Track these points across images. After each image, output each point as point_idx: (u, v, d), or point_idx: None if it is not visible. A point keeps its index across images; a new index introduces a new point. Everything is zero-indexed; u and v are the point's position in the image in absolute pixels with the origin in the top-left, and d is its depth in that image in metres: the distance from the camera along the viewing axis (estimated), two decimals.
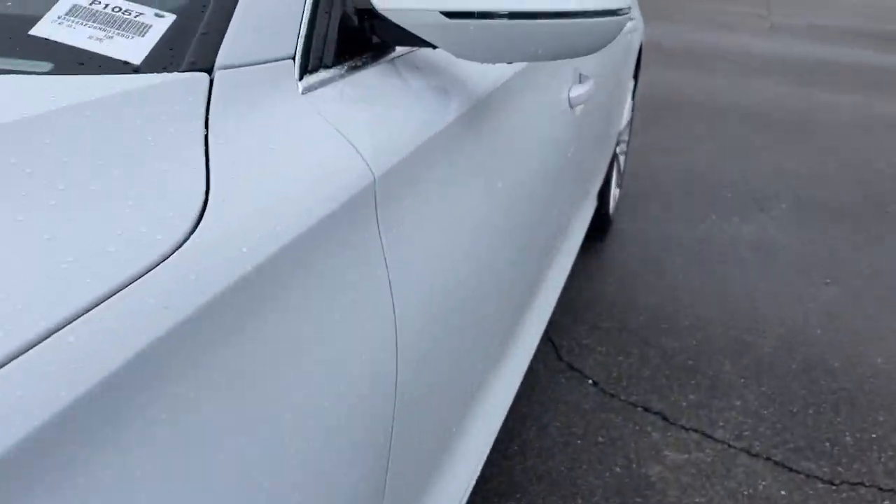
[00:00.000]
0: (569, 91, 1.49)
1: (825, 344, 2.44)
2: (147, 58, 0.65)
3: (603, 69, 2.03)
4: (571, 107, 1.50)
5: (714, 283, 2.81)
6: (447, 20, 0.86)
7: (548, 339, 2.37)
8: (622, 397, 2.11)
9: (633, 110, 3.41)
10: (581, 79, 1.62)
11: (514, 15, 0.86)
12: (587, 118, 1.75)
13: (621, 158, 3.31)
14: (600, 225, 3.10)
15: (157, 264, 0.49)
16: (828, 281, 2.88)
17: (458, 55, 0.90)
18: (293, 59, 0.75)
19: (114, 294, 0.45)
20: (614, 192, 3.21)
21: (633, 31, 2.60)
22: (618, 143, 3.23)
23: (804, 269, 2.97)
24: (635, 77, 3.27)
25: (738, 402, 2.11)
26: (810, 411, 2.09)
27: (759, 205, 3.63)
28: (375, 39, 0.90)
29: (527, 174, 1.28)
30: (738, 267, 2.96)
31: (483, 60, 0.91)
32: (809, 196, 3.76)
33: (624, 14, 0.95)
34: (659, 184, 3.81)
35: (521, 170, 1.24)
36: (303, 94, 0.74)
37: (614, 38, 0.97)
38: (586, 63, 1.73)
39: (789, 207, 3.62)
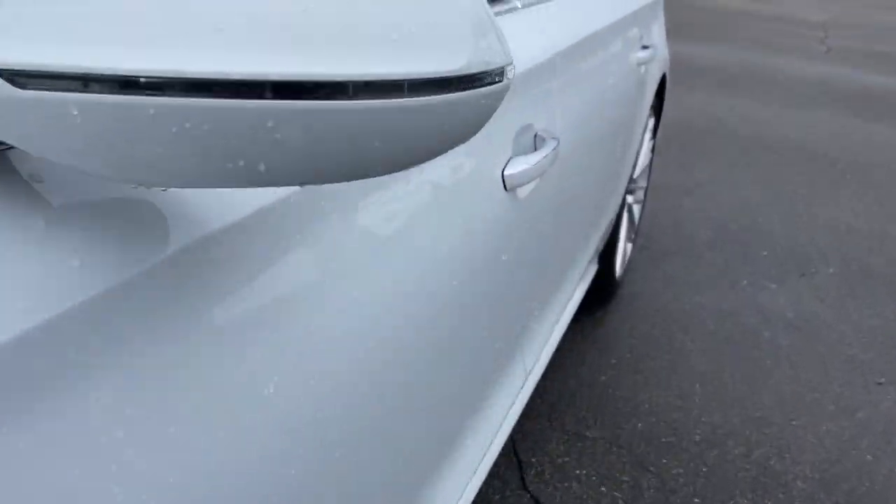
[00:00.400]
0: (504, 168, 0.99)
1: (879, 479, 1.88)
2: None
3: (592, 116, 1.51)
4: (508, 189, 1.00)
5: (738, 376, 2.26)
6: (18, 93, 0.36)
7: (513, 453, 1.86)
8: None
9: (653, 151, 2.87)
10: (536, 143, 1.11)
11: (191, 86, 0.36)
12: (551, 191, 1.24)
13: (636, 208, 2.78)
14: (604, 290, 2.57)
15: None
16: (882, 380, 2.31)
17: (63, 161, 0.40)
18: None
19: None
20: (625, 248, 2.67)
21: (649, 61, 2.08)
22: (632, 191, 2.70)
23: (852, 361, 2.39)
24: (657, 112, 2.73)
25: None
26: None
27: (801, 268, 3.06)
28: None
29: (401, 305, 0.78)
30: (770, 353, 2.40)
31: (123, 179, 0.40)
32: (863, 260, 3.17)
33: (497, 84, 0.44)
34: (684, 236, 3.26)
35: (388, 304, 0.74)
36: None
37: (470, 136, 0.46)
38: (555, 112, 1.22)
39: (838, 274, 3.03)
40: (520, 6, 1.20)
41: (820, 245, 3.29)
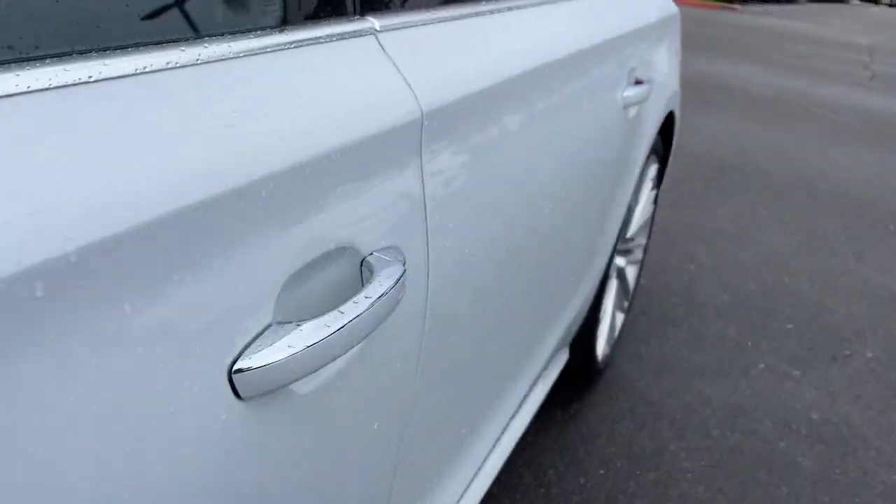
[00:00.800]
0: (234, 361, 0.49)
1: None
2: None
3: (532, 191, 1.02)
4: (245, 397, 0.51)
5: None
6: None
7: None
8: None
9: (656, 202, 2.35)
10: (364, 275, 0.62)
11: None
12: (414, 335, 0.75)
13: (631, 271, 2.27)
14: (581, 378, 2.07)
15: None
16: None
17: None
18: None
19: None
20: (613, 321, 2.17)
21: (645, 100, 1.57)
22: (627, 251, 2.20)
23: (892, 494, 1.86)
24: (663, 156, 2.22)
25: None
26: None
27: (834, 348, 2.52)
28: None
29: None
30: (787, 476, 1.87)
31: None
32: None
33: None
34: (693, 298, 2.73)
35: None
36: None
37: None
38: (437, 206, 0.74)
39: (879, 359, 2.49)
40: (378, 28, 0.72)
41: (858, 317, 2.75)
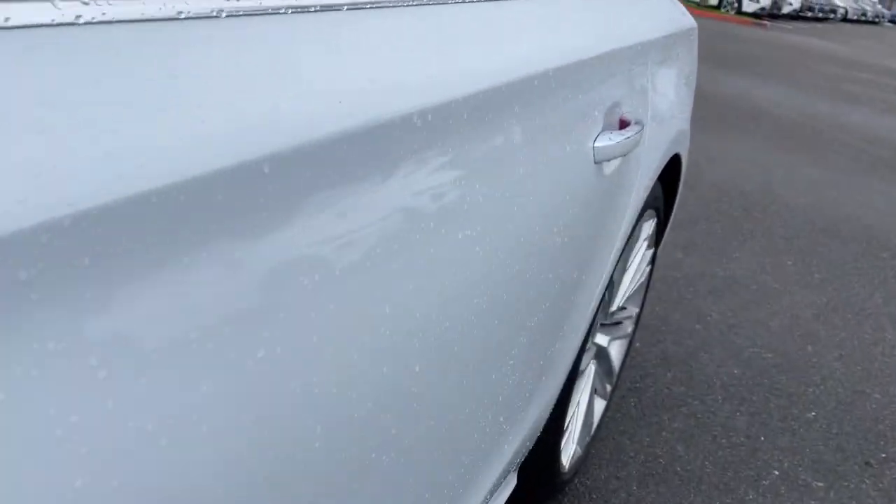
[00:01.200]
0: None
1: None
2: None
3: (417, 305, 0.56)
4: None
5: None
6: None
7: None
8: None
9: (653, 262, 1.88)
10: None
11: None
12: None
13: (618, 347, 1.80)
14: (545, 486, 1.60)
15: None
16: None
17: None
18: None
19: None
20: (591, 412, 1.70)
21: (633, 148, 1.11)
22: (615, 324, 1.74)
23: None
24: (665, 207, 1.75)
25: None
26: None
27: (866, 450, 2.04)
28: None
29: None
30: None
31: None
32: None
33: None
34: (696, 373, 2.25)
35: None
36: None
37: None
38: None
39: None
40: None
41: None
